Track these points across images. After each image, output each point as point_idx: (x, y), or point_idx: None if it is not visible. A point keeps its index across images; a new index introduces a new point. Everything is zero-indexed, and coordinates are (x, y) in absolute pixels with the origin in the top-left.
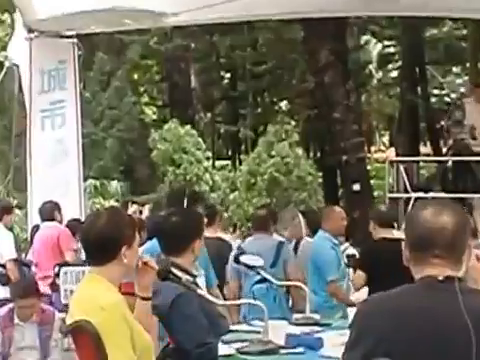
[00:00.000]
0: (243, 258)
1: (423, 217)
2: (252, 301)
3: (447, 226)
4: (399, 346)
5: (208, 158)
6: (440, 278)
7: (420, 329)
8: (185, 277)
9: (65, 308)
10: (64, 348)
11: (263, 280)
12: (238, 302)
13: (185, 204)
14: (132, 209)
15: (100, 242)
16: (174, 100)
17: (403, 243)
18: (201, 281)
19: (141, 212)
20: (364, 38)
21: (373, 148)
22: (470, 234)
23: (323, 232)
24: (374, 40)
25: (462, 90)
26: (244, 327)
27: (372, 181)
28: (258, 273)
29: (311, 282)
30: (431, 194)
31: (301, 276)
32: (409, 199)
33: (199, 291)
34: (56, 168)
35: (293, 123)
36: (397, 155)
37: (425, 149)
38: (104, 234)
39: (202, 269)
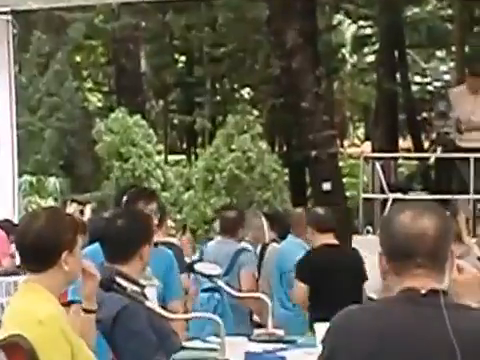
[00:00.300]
0: (198, 266)
1: (401, 222)
2: (209, 315)
3: (428, 232)
4: None
5: (160, 152)
6: (423, 291)
7: (401, 350)
8: (131, 287)
9: None
10: None
11: (213, 289)
12: (190, 316)
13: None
14: (71, 208)
15: (38, 247)
16: (122, 86)
17: (378, 252)
18: (152, 292)
19: (82, 212)
20: (337, 18)
21: (346, 142)
22: (453, 240)
23: (294, 237)
24: (348, 20)
25: (447, 78)
26: (198, 344)
27: (345, 179)
28: (214, 283)
29: (277, 292)
30: (411, 195)
31: (266, 286)
32: (386, 200)
33: (147, 303)
34: None
35: (256, 113)
36: (373, 150)
37: (405, 144)
38: (42, 238)
39: (156, 278)
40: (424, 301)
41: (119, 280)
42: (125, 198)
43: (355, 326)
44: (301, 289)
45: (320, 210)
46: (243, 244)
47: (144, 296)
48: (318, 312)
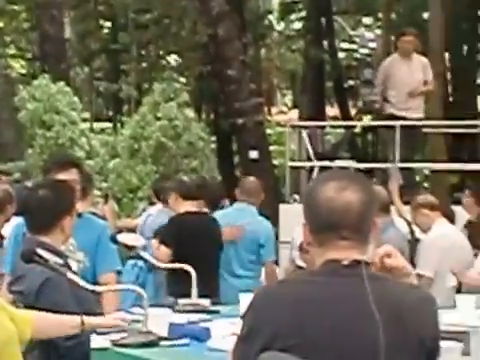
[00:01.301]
0: (121, 237)
1: (325, 194)
2: (131, 286)
3: (353, 205)
4: (299, 340)
5: (85, 120)
6: (345, 263)
7: (322, 321)
8: (53, 259)
9: None
10: None
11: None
12: (112, 288)
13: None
14: None
15: None
16: (45, 52)
17: (301, 222)
18: (73, 266)
19: None
20: None
21: (274, 109)
22: (377, 210)
23: (247, 205)
24: None
25: (373, 45)
26: (124, 315)
27: (272, 147)
28: (137, 255)
29: (234, 263)
30: (338, 162)
31: None
32: (312, 168)
33: (69, 275)
34: None
35: (183, 81)
36: (300, 118)
37: (332, 111)
38: None
39: (81, 252)
40: (346, 272)
41: (40, 252)
42: (44, 168)
43: (275, 298)
44: (164, 253)
45: (186, 178)
46: None
47: (68, 267)
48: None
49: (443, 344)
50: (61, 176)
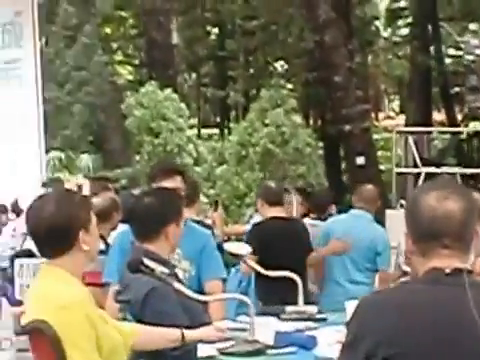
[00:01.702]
0: (227, 246)
1: (427, 203)
2: (237, 295)
3: (454, 213)
4: (402, 348)
5: (192, 126)
6: (447, 271)
7: (425, 328)
8: (159, 269)
9: (19, 304)
10: (18, 348)
11: None
12: (220, 297)
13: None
14: (68, 186)
15: (53, 234)
16: (152, 59)
17: (403, 232)
18: (181, 274)
19: (80, 188)
20: None
21: (381, 115)
22: (478, 219)
23: (364, 212)
24: None
25: (478, 52)
26: (228, 324)
27: (379, 153)
28: (244, 262)
29: (351, 269)
30: (444, 169)
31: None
32: (419, 174)
33: (176, 285)
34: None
35: (290, 87)
36: (407, 124)
37: (439, 116)
38: (56, 224)
39: (187, 261)
40: (448, 280)
41: (147, 261)
42: (149, 175)
43: (378, 306)
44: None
45: (271, 183)
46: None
47: (175, 276)
48: (264, 282)
49: None
50: (165, 184)
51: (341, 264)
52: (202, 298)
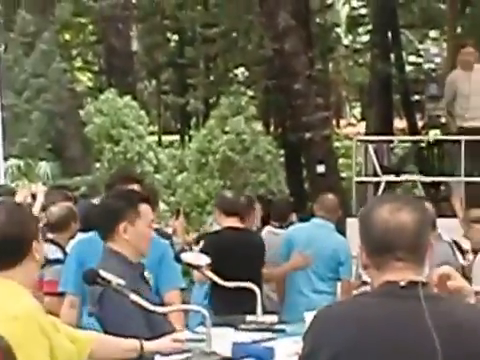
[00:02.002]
0: (185, 256)
1: (380, 215)
2: (194, 306)
3: (407, 225)
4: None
5: (153, 133)
6: (402, 284)
7: (380, 342)
8: (116, 281)
9: None
10: None
11: None
12: (177, 308)
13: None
14: (21, 194)
15: (5, 245)
16: (112, 66)
17: (358, 245)
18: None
19: (34, 197)
20: None
21: (343, 122)
22: (432, 230)
23: (326, 221)
24: (342, 0)
25: (438, 60)
26: (187, 335)
27: (341, 160)
28: (202, 273)
29: (315, 279)
30: (404, 177)
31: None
32: (379, 183)
33: (132, 296)
34: None
35: (251, 93)
36: (367, 132)
37: (401, 123)
38: (9, 234)
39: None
40: (403, 293)
41: (103, 273)
42: (106, 183)
43: (336, 320)
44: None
45: (229, 193)
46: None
47: (143, 278)
48: (218, 291)
49: None
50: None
51: (304, 274)
52: (158, 310)
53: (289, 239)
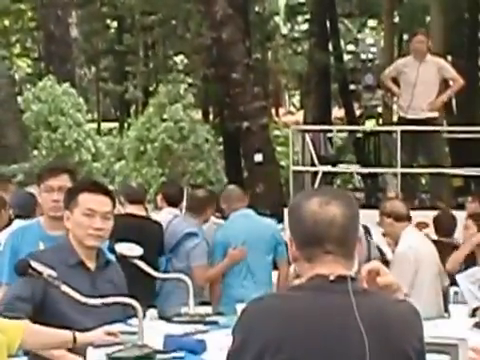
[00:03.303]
0: (119, 247)
1: (309, 208)
2: (126, 299)
3: (336, 218)
4: (289, 353)
5: (92, 121)
6: (331, 278)
7: (309, 336)
8: (47, 272)
9: None
10: None
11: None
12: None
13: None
14: None
15: None
16: (50, 53)
17: (287, 238)
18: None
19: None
20: None
21: (282, 110)
22: (359, 226)
23: (246, 209)
24: None
25: (373, 50)
26: (121, 327)
27: (280, 149)
28: (134, 264)
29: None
30: (341, 167)
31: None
32: (316, 173)
33: (63, 288)
34: None
35: (190, 81)
36: (305, 120)
37: (340, 112)
38: None
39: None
40: (332, 287)
41: (35, 265)
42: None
43: (265, 314)
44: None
45: (133, 183)
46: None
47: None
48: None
49: (430, 357)
50: (52, 182)
51: (240, 265)
52: (90, 302)
53: (223, 240)
